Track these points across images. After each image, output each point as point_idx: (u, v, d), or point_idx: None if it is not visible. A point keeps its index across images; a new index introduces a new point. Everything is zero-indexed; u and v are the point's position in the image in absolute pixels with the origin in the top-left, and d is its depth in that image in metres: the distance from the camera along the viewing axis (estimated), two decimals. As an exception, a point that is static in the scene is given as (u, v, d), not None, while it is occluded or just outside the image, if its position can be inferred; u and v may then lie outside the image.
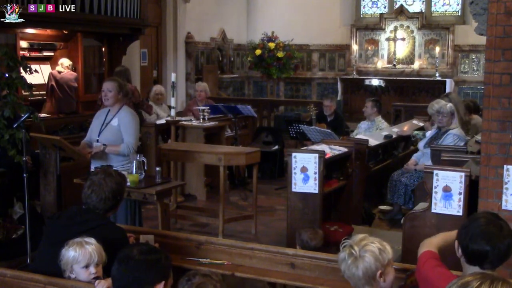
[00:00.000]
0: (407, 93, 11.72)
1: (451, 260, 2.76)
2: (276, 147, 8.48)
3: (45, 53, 8.40)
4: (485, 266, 2.40)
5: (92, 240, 2.82)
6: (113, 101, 4.80)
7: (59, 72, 8.16)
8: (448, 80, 11.46)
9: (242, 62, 13.03)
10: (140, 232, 3.66)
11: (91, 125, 5.02)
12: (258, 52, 11.87)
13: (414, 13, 12.24)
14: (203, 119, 7.28)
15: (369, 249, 2.41)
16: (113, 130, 4.79)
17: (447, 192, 4.09)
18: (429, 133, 6.16)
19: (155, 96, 7.98)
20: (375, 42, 12.55)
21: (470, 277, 1.77)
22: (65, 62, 8.19)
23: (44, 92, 8.10)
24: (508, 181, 3.71)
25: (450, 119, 5.81)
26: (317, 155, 4.76)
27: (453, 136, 5.68)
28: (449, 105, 5.82)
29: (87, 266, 2.77)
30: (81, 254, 2.76)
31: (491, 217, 2.50)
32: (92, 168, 4.74)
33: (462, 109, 6.33)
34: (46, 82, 8.14)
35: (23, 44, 7.78)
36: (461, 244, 2.46)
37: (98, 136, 4.81)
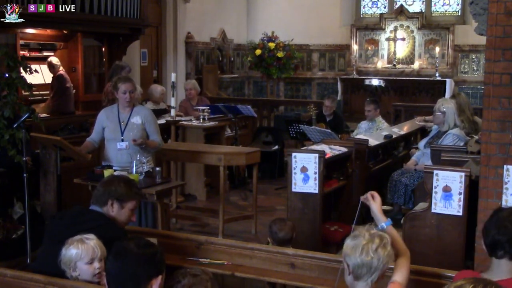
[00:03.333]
0: (407, 93, 11.72)
1: (450, 260, 2.76)
2: (276, 147, 8.48)
3: (45, 53, 8.38)
4: (503, 256, 2.51)
5: (91, 235, 2.82)
6: (134, 101, 4.98)
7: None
8: (448, 80, 11.46)
9: (242, 62, 13.03)
10: (140, 233, 3.66)
11: (98, 125, 5.04)
12: (258, 52, 11.86)
13: (414, 13, 12.24)
14: (203, 119, 7.28)
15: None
16: (138, 128, 4.91)
17: (447, 192, 4.09)
18: (434, 128, 6.19)
19: (160, 96, 7.98)
20: (375, 42, 12.54)
21: (463, 281, 1.79)
22: (58, 61, 8.12)
23: (44, 92, 8.06)
24: (508, 181, 3.71)
25: (442, 118, 5.82)
26: (317, 155, 4.76)
27: (453, 136, 5.69)
28: (444, 106, 5.83)
29: (91, 262, 2.76)
30: (84, 250, 2.75)
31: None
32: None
33: (469, 110, 6.36)
34: (60, 83, 8.00)
35: (23, 44, 7.77)
36: (483, 239, 2.60)
37: (122, 135, 4.87)
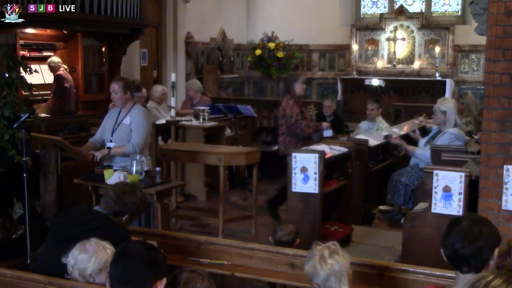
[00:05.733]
0: (407, 93, 11.71)
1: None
2: (276, 147, 8.47)
3: (45, 53, 8.39)
4: (463, 270, 2.35)
5: (108, 245, 2.77)
6: (121, 102, 4.88)
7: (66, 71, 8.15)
8: (448, 80, 11.46)
9: (242, 62, 13.03)
10: (141, 233, 3.66)
11: (103, 124, 5.05)
12: (258, 52, 11.86)
13: (414, 13, 12.24)
14: (203, 119, 7.28)
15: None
16: (125, 129, 4.85)
17: (447, 192, 4.10)
18: (434, 127, 6.20)
19: (160, 96, 8.00)
20: (375, 42, 12.54)
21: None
22: (59, 60, 8.13)
23: (44, 92, 8.06)
24: (508, 181, 3.71)
25: (442, 118, 5.82)
26: (317, 155, 4.76)
27: (450, 135, 5.68)
28: (445, 105, 5.83)
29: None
30: (109, 260, 2.60)
31: (473, 221, 2.42)
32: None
33: (476, 110, 6.37)
34: (58, 83, 8.00)
35: (23, 44, 7.78)
36: (444, 252, 2.40)
37: (112, 136, 4.86)
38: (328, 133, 6.59)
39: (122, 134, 4.84)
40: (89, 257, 2.71)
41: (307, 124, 6.23)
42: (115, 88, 4.84)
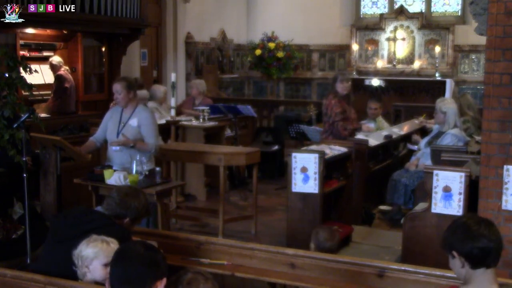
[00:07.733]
0: (407, 93, 11.69)
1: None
2: (276, 147, 8.48)
3: (45, 53, 8.38)
4: (491, 265, 2.34)
5: (115, 241, 2.81)
6: (125, 102, 4.87)
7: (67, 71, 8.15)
8: (448, 80, 11.44)
9: (242, 62, 13.02)
10: (141, 233, 3.66)
11: (103, 124, 5.04)
12: (258, 52, 11.86)
13: (414, 13, 12.23)
14: (203, 119, 7.28)
15: None
16: (132, 131, 4.84)
17: (447, 192, 4.10)
18: (435, 127, 6.21)
19: (163, 96, 8.01)
20: (375, 42, 12.53)
21: None
22: (61, 60, 8.13)
23: (45, 92, 8.06)
24: (508, 181, 3.71)
25: (442, 118, 5.84)
26: (317, 155, 4.76)
27: (452, 136, 5.70)
28: (446, 106, 5.85)
29: (106, 265, 2.71)
30: (105, 251, 2.73)
31: (477, 218, 2.46)
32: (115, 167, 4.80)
33: (472, 110, 6.38)
34: (59, 83, 8.00)
35: (23, 44, 7.77)
36: (462, 252, 2.36)
37: (117, 136, 4.85)
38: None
39: (130, 136, 4.82)
40: (88, 244, 2.77)
41: (343, 125, 6.20)
42: (118, 88, 4.84)
